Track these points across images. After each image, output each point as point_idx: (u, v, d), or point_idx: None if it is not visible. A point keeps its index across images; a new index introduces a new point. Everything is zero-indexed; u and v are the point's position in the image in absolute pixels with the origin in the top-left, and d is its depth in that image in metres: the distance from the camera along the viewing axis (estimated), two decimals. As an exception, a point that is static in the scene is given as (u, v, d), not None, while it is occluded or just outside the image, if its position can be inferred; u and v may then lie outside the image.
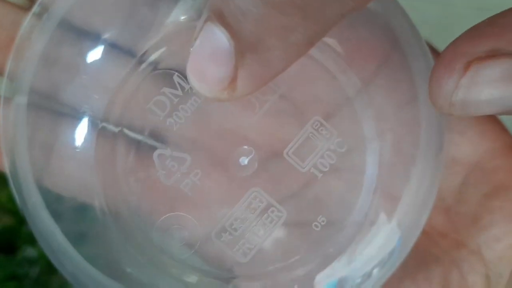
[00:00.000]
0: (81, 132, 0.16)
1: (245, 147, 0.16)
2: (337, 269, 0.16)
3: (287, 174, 0.16)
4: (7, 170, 0.15)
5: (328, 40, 0.16)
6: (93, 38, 0.15)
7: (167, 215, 0.16)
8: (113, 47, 0.15)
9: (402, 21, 0.16)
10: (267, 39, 0.12)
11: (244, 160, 0.16)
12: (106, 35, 0.15)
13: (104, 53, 0.15)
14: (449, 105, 0.13)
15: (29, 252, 0.39)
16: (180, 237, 0.16)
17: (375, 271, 0.16)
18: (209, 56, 0.12)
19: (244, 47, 0.12)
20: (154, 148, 0.16)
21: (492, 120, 0.18)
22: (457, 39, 0.13)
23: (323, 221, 0.16)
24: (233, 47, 0.11)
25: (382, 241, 0.16)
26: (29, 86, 0.15)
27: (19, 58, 0.15)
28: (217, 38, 0.12)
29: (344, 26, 0.15)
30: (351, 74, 0.16)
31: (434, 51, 0.17)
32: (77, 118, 0.16)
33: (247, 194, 0.16)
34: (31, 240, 0.39)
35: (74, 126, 0.16)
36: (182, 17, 0.15)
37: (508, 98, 0.13)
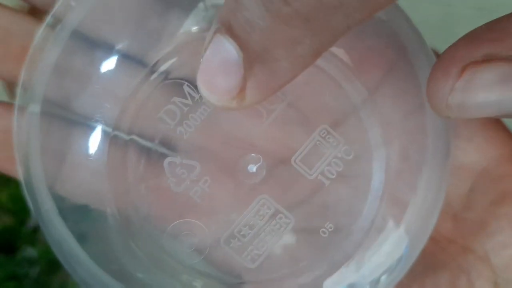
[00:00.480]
0: (93, 140, 0.16)
1: (253, 154, 0.17)
2: (345, 276, 0.16)
3: (294, 181, 0.16)
4: (21, 177, 0.15)
5: (334, 49, 0.16)
6: (105, 48, 0.16)
7: (177, 221, 0.16)
8: (125, 57, 0.16)
9: (408, 29, 0.16)
10: (275, 50, 0.12)
11: (252, 168, 0.17)
12: (118, 46, 0.16)
13: (116, 63, 0.16)
14: (445, 107, 0.13)
15: (29, 252, 0.39)
16: (190, 243, 0.16)
17: (383, 278, 0.16)
18: (218, 66, 0.12)
19: (252, 58, 0.12)
20: (164, 156, 0.16)
21: (499, 126, 0.18)
22: (454, 43, 0.13)
23: (330, 228, 0.16)
24: (242, 58, 0.12)
25: (390, 248, 0.16)
26: (42, 95, 0.15)
27: (33, 68, 0.15)
28: (226, 49, 0.12)
29: (350, 35, 0.15)
30: (357, 83, 0.16)
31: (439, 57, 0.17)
32: (89, 127, 0.16)
33: (256, 201, 0.16)
34: (31, 240, 0.39)
35: (87, 135, 0.16)
36: (194, 28, 0.16)
37: (503, 101, 0.13)
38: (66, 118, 0.16)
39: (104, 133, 0.16)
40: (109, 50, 0.16)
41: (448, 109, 0.13)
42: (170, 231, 0.16)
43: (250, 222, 0.16)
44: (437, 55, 0.16)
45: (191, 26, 0.16)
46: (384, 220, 0.16)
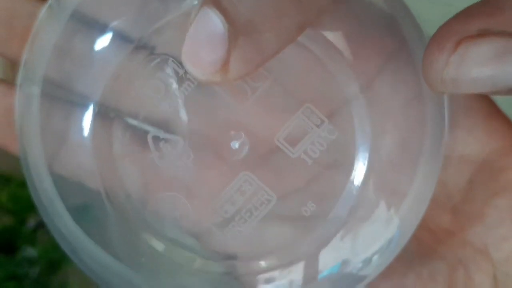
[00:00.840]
0: (86, 119, 0.16)
1: (236, 132, 0.17)
2: (340, 252, 0.16)
3: (277, 159, 0.17)
4: (20, 155, 0.16)
5: (331, 35, 0.16)
6: (103, 28, 0.16)
7: (159, 195, 0.16)
8: (122, 37, 0.16)
9: (406, 19, 0.16)
10: (260, 23, 0.12)
11: (235, 144, 0.17)
12: (115, 25, 0.16)
13: (113, 42, 0.16)
14: (440, 82, 0.13)
15: (29, 252, 0.39)
16: (172, 217, 0.17)
17: (375, 257, 0.16)
18: (203, 39, 0.12)
19: (238, 30, 0.12)
20: (148, 132, 0.16)
21: (501, 117, 0.18)
22: (450, 19, 0.14)
23: (312, 207, 0.17)
24: (227, 31, 0.12)
25: (381, 229, 0.16)
26: (42, 75, 0.16)
27: (34, 48, 0.15)
28: (212, 22, 0.12)
29: (349, 24, 0.15)
30: (351, 70, 0.16)
31: None
32: (87, 107, 0.16)
33: (238, 177, 0.17)
34: (31, 240, 0.39)
35: (84, 115, 0.16)
36: (183, 6, 0.16)
37: (497, 77, 0.13)
38: (65, 98, 0.16)
39: (93, 111, 0.16)
40: (106, 29, 0.16)
41: (443, 84, 0.13)
42: (152, 205, 0.16)
43: (232, 198, 0.16)
44: None
45: (182, 4, 0.16)
46: (373, 204, 0.16)
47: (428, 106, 0.16)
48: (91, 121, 0.16)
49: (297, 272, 0.17)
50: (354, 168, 0.17)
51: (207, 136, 0.17)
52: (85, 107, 0.16)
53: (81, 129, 0.16)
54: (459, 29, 0.13)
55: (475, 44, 0.13)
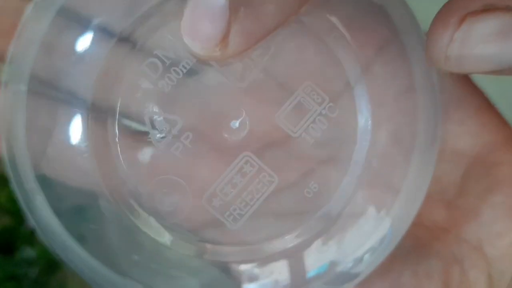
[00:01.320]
0: (69, 117, 0.16)
1: (237, 110, 0.16)
2: (326, 254, 0.16)
3: (278, 138, 0.16)
4: (5, 154, 0.15)
5: (333, 18, 0.16)
6: (90, 24, 0.15)
7: (157, 178, 0.16)
8: (108, 33, 0.16)
9: (401, 10, 0.16)
10: None
11: (235, 123, 0.16)
12: (100, 20, 0.16)
13: (95, 36, 0.15)
14: (444, 59, 0.13)
15: (28, 252, 0.39)
16: (170, 202, 0.16)
17: (366, 256, 0.16)
18: (203, 11, 0.12)
19: (238, 1, 0.12)
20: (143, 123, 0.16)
21: (492, 111, 0.17)
22: None
23: (315, 188, 0.16)
24: (228, 1, 0.12)
25: (371, 228, 0.16)
26: (28, 72, 0.15)
27: (20, 44, 0.15)
28: None
29: (345, 15, 0.15)
30: (352, 54, 0.16)
31: None
32: (75, 104, 0.16)
33: (239, 158, 0.16)
34: (30, 240, 0.39)
35: (72, 112, 0.16)
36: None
37: (502, 54, 0.12)
38: (52, 95, 0.16)
39: (85, 109, 0.16)
40: (90, 24, 0.15)
41: (447, 62, 0.13)
42: (150, 188, 0.16)
43: (233, 180, 0.16)
44: None
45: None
46: (366, 200, 0.16)
47: (422, 98, 0.16)
48: (81, 119, 0.16)
49: (283, 269, 0.16)
50: (352, 161, 0.16)
51: (205, 118, 0.16)
52: (73, 104, 0.16)
53: (69, 127, 0.16)
54: (464, 5, 0.13)
55: (480, 20, 0.12)
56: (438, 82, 0.16)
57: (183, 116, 0.16)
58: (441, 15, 0.13)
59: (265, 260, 0.16)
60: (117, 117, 0.16)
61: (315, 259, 0.16)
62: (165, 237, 0.16)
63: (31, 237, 0.39)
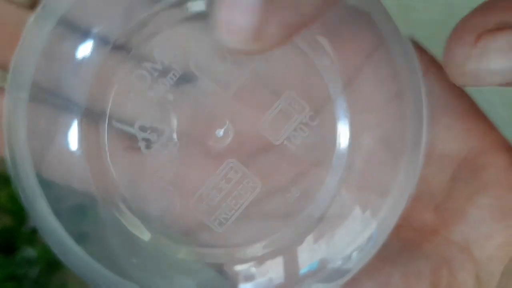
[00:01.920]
0: (68, 123, 0.16)
1: (221, 120, 0.17)
2: (316, 252, 0.17)
3: (261, 146, 0.17)
4: (7, 157, 0.16)
5: (316, 31, 0.16)
6: (89, 33, 0.16)
7: (146, 183, 0.17)
8: (104, 41, 0.16)
9: (383, 17, 0.16)
10: None
11: (220, 132, 0.17)
12: (99, 30, 0.16)
13: (92, 45, 0.16)
14: (461, 75, 0.14)
15: (29, 252, 0.39)
16: (159, 206, 0.17)
17: (354, 254, 0.16)
18: (238, 4, 0.11)
19: None
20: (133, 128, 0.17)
21: (479, 115, 0.18)
22: (469, 13, 0.14)
23: (296, 193, 0.17)
24: None
25: (359, 227, 0.17)
26: (30, 80, 0.16)
27: (22, 53, 0.16)
28: None
29: (331, 23, 0.16)
30: (334, 67, 0.17)
31: (419, 47, 0.17)
32: (73, 110, 0.16)
33: (224, 164, 0.17)
34: (31, 240, 0.39)
35: (71, 119, 0.16)
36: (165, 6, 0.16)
37: None
38: (51, 102, 0.16)
39: (80, 114, 0.16)
40: (88, 33, 0.16)
41: (464, 77, 0.14)
42: (139, 195, 0.17)
43: (218, 185, 0.17)
44: (415, 44, 0.17)
45: (162, 5, 0.16)
46: (352, 202, 0.17)
47: (408, 103, 0.16)
48: (76, 124, 0.16)
49: (277, 268, 0.17)
50: (334, 165, 0.17)
51: (191, 125, 0.17)
52: (69, 110, 0.16)
53: (68, 133, 0.16)
54: (479, 23, 0.13)
55: (495, 38, 0.13)
56: (425, 87, 0.16)
57: (172, 123, 0.17)
58: (457, 33, 0.14)
59: (259, 259, 0.17)
60: (107, 123, 0.17)
61: (306, 257, 0.17)
62: (157, 240, 0.17)
63: (31, 237, 0.39)
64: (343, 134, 0.17)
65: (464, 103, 0.18)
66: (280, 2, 0.11)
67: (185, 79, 0.17)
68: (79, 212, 0.16)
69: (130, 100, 0.16)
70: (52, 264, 0.38)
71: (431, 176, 0.17)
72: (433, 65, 0.18)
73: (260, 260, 0.17)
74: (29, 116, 0.16)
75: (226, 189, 0.17)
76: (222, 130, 0.17)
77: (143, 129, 0.17)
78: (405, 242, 0.17)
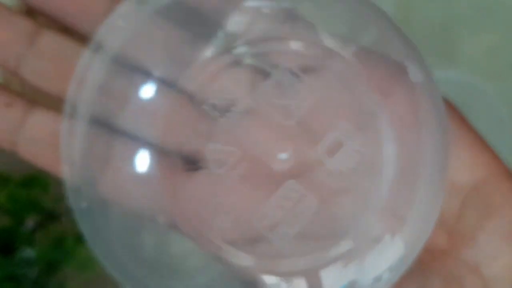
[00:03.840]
0: (135, 155, 0.18)
1: (284, 145, 0.19)
2: (345, 274, 0.18)
3: (318, 169, 0.19)
4: (66, 177, 0.17)
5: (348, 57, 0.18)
6: (142, 71, 0.18)
7: (212, 201, 0.19)
8: (156, 80, 0.18)
9: (406, 51, 0.17)
10: None
11: (282, 156, 0.19)
12: (152, 69, 0.18)
13: (150, 85, 0.18)
14: None
15: (27, 252, 0.39)
16: (226, 222, 0.19)
17: (385, 275, 0.18)
18: None
19: None
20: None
21: (485, 147, 0.19)
22: None
23: (336, 214, 0.18)
24: None
25: (389, 249, 0.18)
26: (87, 111, 0.17)
27: (79, 87, 0.17)
28: None
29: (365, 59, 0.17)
30: (373, 94, 0.18)
31: None
32: (131, 142, 0.18)
33: (285, 185, 0.19)
34: (30, 241, 0.39)
35: (128, 149, 0.18)
36: (212, 53, 0.18)
37: None
38: (108, 133, 0.18)
39: (148, 145, 0.18)
40: (144, 73, 0.18)
41: None
42: (207, 213, 0.18)
43: (280, 204, 0.18)
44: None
45: (211, 51, 0.18)
46: (383, 228, 0.18)
47: (433, 132, 0.18)
48: (146, 153, 0.18)
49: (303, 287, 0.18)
50: (373, 190, 0.18)
51: (257, 150, 0.19)
52: (138, 141, 0.18)
53: (132, 159, 0.18)
54: None
55: None
56: (446, 116, 0.17)
57: (238, 149, 0.19)
58: None
59: (288, 275, 0.18)
60: (170, 155, 0.18)
61: (335, 279, 0.18)
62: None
63: (30, 238, 0.39)
64: (386, 161, 0.18)
65: (471, 135, 0.19)
66: None
67: (247, 110, 0.18)
68: (131, 230, 0.18)
69: (197, 132, 0.18)
70: (51, 265, 0.38)
71: (443, 203, 0.19)
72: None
73: (291, 275, 0.18)
74: (86, 141, 0.17)
75: (287, 208, 0.18)
76: (284, 154, 0.19)
77: (213, 152, 0.18)
78: (419, 262, 0.18)
